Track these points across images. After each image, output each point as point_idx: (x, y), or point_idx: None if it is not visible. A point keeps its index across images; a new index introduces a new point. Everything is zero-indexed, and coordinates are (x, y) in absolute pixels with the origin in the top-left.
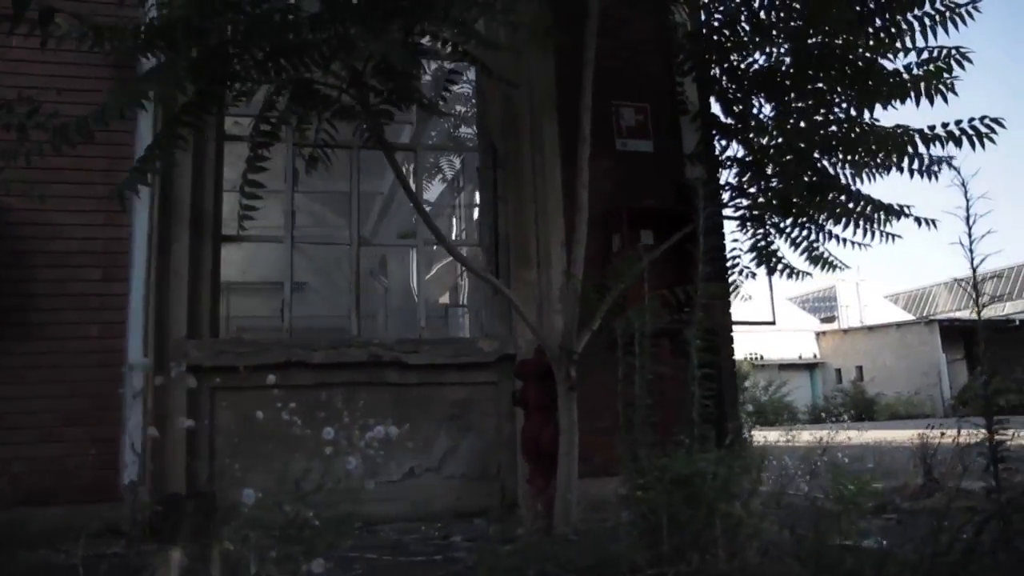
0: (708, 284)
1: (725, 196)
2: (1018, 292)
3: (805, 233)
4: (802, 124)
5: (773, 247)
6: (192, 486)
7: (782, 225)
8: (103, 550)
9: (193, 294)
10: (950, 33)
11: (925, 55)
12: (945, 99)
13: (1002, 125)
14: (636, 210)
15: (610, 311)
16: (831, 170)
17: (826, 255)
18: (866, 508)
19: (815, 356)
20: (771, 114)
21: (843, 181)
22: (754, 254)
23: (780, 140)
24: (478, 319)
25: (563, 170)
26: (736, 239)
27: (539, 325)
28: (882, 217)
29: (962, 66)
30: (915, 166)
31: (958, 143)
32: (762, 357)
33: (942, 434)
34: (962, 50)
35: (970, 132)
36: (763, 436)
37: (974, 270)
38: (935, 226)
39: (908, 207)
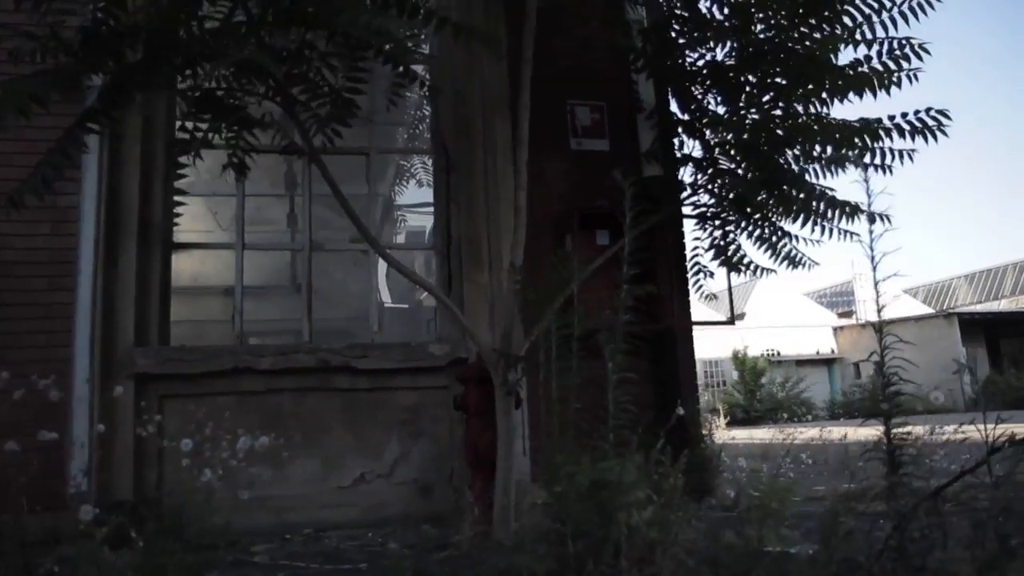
0: (643, 286)
1: (687, 193)
2: None
3: (759, 231)
4: (753, 119)
5: (733, 245)
6: (140, 494)
7: (740, 222)
8: (43, 558)
9: (141, 302)
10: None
11: (878, 48)
12: (899, 87)
13: (948, 117)
14: (589, 211)
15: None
16: (793, 166)
17: (792, 252)
18: (786, 515)
19: (833, 351)
20: (723, 110)
21: (805, 178)
22: (713, 252)
23: (729, 136)
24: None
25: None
26: (698, 237)
27: (480, 328)
28: (837, 214)
29: (920, 58)
30: (867, 160)
31: (912, 137)
32: (779, 353)
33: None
34: (913, 40)
35: (918, 125)
36: (732, 435)
37: (874, 268)
38: (890, 222)
39: (860, 204)
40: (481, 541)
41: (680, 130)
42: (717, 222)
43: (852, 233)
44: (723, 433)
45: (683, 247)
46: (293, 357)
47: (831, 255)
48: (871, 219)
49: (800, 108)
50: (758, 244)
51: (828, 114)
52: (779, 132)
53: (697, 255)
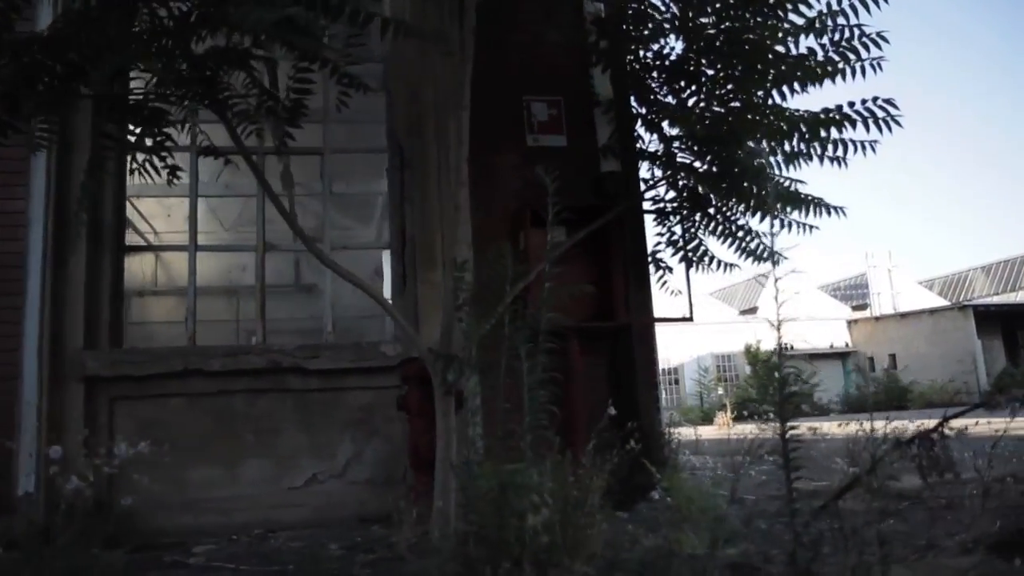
0: (580, 285)
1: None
2: None
3: (720, 227)
4: (710, 112)
5: (694, 241)
6: (92, 496)
7: (700, 218)
8: None
9: (91, 305)
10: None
11: (830, 37)
12: (864, 76)
13: (895, 106)
14: (543, 207)
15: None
16: (755, 160)
17: (759, 247)
18: (710, 518)
19: (847, 345)
20: (675, 103)
21: (763, 171)
22: (672, 248)
23: (680, 131)
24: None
25: (469, 169)
26: (660, 233)
27: (431, 328)
28: (791, 208)
29: (879, 46)
30: (819, 152)
31: (867, 127)
32: (792, 347)
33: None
34: (865, 29)
35: (866, 115)
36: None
37: (775, 264)
38: (844, 214)
39: (817, 197)
40: (417, 543)
41: (639, 124)
42: (676, 218)
43: (810, 226)
44: (726, 430)
45: (643, 243)
46: (244, 358)
47: (845, 248)
48: (828, 211)
49: (756, 99)
50: (722, 239)
51: (784, 105)
52: (729, 125)
53: (659, 251)
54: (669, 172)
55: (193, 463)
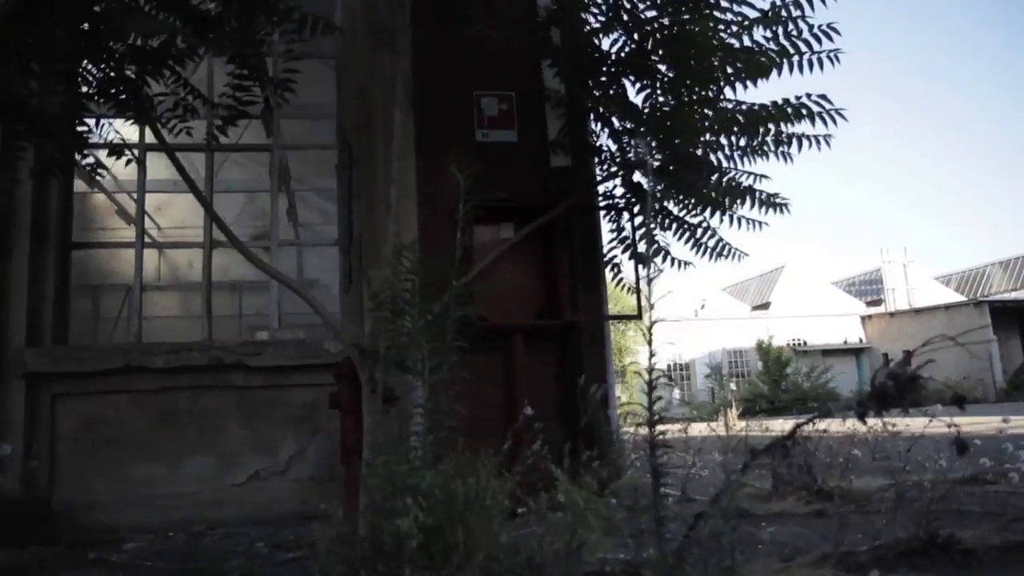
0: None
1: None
2: None
3: (673, 223)
4: (657, 106)
5: (644, 238)
6: (31, 493)
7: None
8: None
9: (34, 302)
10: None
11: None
12: (822, 68)
13: (829, 101)
14: (488, 203)
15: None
16: (710, 155)
17: (719, 244)
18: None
19: (861, 340)
20: (623, 97)
21: (713, 165)
22: (621, 245)
23: (629, 125)
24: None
25: (418, 166)
26: (613, 229)
27: (361, 326)
28: (738, 203)
29: (831, 38)
30: (768, 147)
31: (811, 120)
32: (804, 343)
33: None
34: (809, 21)
35: (813, 109)
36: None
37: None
38: (788, 211)
39: (765, 192)
40: (342, 541)
41: (592, 119)
42: (627, 215)
43: (760, 222)
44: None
45: (595, 240)
46: (186, 355)
47: (858, 242)
48: (772, 207)
49: (708, 93)
50: (677, 236)
51: (737, 99)
52: (672, 120)
53: (612, 247)
54: (618, 167)
55: (136, 460)
